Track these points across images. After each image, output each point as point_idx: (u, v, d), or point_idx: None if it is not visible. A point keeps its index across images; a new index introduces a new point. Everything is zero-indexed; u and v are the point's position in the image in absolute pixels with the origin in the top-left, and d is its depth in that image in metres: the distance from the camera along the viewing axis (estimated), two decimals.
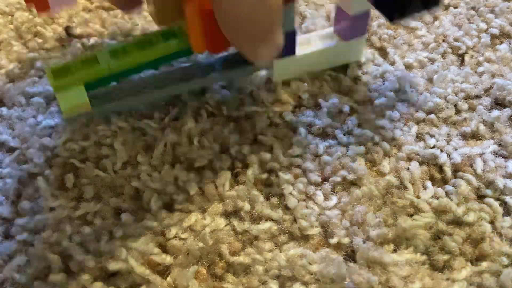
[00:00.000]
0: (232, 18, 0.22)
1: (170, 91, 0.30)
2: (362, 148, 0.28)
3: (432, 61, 0.33)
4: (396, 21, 0.26)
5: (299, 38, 0.31)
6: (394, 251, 0.24)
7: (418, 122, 0.29)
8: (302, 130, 0.29)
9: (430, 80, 0.32)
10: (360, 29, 0.30)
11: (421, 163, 0.27)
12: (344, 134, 0.29)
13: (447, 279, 0.23)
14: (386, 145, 0.28)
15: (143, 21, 0.35)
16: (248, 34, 0.23)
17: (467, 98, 0.31)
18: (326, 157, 0.27)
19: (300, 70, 0.31)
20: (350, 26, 0.30)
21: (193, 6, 0.24)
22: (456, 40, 0.34)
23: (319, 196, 0.26)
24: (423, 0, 0.25)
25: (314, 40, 0.31)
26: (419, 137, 0.29)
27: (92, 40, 0.34)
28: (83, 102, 0.27)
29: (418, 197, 0.26)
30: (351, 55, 0.32)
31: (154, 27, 0.35)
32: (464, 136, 0.29)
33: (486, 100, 0.30)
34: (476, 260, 0.24)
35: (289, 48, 0.29)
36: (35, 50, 0.34)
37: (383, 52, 0.34)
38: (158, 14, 0.26)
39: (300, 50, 0.30)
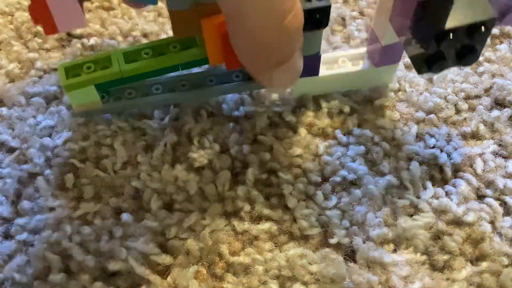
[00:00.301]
0: (246, 42, 0.21)
1: (183, 97, 0.29)
2: (362, 148, 0.28)
3: None
4: (424, 73, 0.24)
5: (326, 56, 0.29)
6: (394, 251, 0.24)
7: (418, 122, 0.29)
8: (302, 130, 0.29)
9: (430, 80, 0.32)
10: (393, 57, 0.28)
11: (421, 163, 0.27)
12: (344, 134, 0.29)
13: (447, 279, 0.23)
14: (386, 145, 0.28)
15: (143, 20, 0.35)
16: (263, 59, 0.22)
17: (467, 98, 0.31)
18: (326, 157, 0.27)
19: (321, 88, 0.30)
20: (382, 53, 0.28)
21: (210, 25, 0.24)
22: None
23: (319, 196, 0.26)
24: (458, 54, 0.22)
25: (342, 59, 0.30)
26: (419, 137, 0.29)
27: (92, 40, 0.34)
28: (94, 100, 0.27)
29: (418, 197, 0.26)
30: (381, 79, 0.30)
31: (153, 28, 0.35)
32: (464, 136, 0.29)
33: (486, 100, 0.30)
34: (476, 260, 0.24)
35: (312, 69, 0.28)
36: (35, 50, 0.34)
37: None
38: (175, 31, 0.26)
39: (325, 70, 0.29)
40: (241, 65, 0.24)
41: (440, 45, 0.22)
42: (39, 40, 0.34)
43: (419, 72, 0.23)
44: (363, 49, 0.30)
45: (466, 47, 0.22)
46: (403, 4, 0.23)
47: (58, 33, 0.26)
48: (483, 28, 0.21)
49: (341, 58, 0.30)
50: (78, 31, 0.34)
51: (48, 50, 0.34)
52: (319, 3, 0.24)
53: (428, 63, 0.22)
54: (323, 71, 0.29)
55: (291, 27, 0.20)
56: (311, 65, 0.27)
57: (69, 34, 0.35)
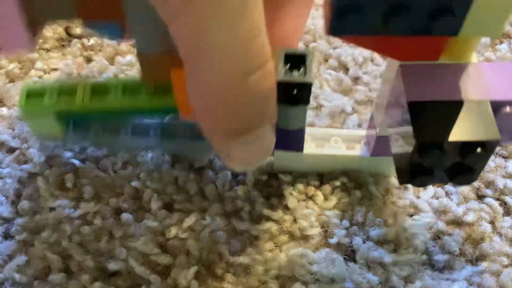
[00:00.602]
0: (201, 95, 0.17)
1: (155, 143, 0.26)
2: None
3: None
4: (404, 184, 0.20)
5: (316, 131, 0.26)
6: (394, 251, 0.24)
7: None
8: None
9: None
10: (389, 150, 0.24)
11: None
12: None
13: (447, 279, 0.23)
14: None
15: None
16: (220, 123, 0.18)
17: None
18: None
19: (307, 166, 0.26)
20: (377, 142, 0.24)
21: (182, 76, 0.20)
22: None
23: (319, 197, 0.26)
24: (451, 171, 0.19)
25: (335, 138, 0.26)
26: None
27: (92, 40, 0.34)
28: (54, 131, 0.25)
29: (418, 197, 0.26)
30: (376, 168, 0.26)
31: None
32: None
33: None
34: (476, 260, 0.24)
35: (294, 144, 0.24)
36: (35, 50, 0.34)
37: None
38: (143, 75, 0.23)
39: (313, 147, 0.26)
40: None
41: (424, 158, 0.18)
42: (39, 40, 0.34)
43: (399, 181, 0.20)
44: (360, 132, 0.26)
45: (460, 165, 0.18)
46: (394, 102, 0.20)
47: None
48: (479, 149, 0.17)
49: (334, 137, 0.26)
50: (78, 31, 0.34)
51: (48, 50, 0.34)
52: (298, 78, 0.20)
53: (411, 173, 0.19)
54: (312, 148, 0.25)
55: (256, 87, 0.16)
56: (294, 140, 0.24)
57: (69, 34, 0.35)
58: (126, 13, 0.20)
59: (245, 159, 0.18)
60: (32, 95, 0.24)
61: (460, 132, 0.17)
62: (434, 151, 0.17)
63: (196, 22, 0.15)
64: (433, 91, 0.18)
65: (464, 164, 0.18)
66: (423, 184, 0.19)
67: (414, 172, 0.19)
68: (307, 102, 0.21)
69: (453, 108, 0.18)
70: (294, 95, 0.20)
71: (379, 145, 0.24)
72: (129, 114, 0.25)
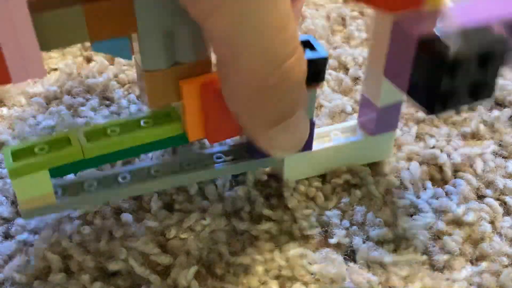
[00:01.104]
0: (240, 91, 0.18)
1: (157, 185, 0.24)
2: None
3: None
4: (437, 114, 0.22)
5: (316, 131, 0.26)
6: (394, 251, 0.24)
7: (418, 122, 0.29)
8: None
9: None
10: (390, 123, 0.26)
11: (421, 163, 0.27)
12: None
13: (447, 279, 0.23)
14: None
15: None
16: (260, 114, 0.19)
17: None
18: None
19: (316, 168, 0.26)
20: (378, 120, 0.25)
21: (190, 86, 0.21)
22: None
23: (319, 197, 0.26)
24: (472, 90, 0.21)
25: (334, 133, 0.27)
26: (419, 137, 0.29)
27: None
28: (46, 192, 0.22)
29: (418, 197, 0.26)
30: (378, 153, 0.27)
31: None
32: (464, 136, 0.29)
33: (486, 100, 0.30)
34: (476, 260, 0.24)
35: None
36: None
37: None
38: (150, 95, 0.21)
39: (317, 144, 0.26)
40: (225, 136, 0.22)
41: (453, 78, 0.19)
42: None
43: (431, 112, 0.21)
44: (354, 121, 0.27)
45: (478, 82, 0.20)
46: (399, 45, 0.21)
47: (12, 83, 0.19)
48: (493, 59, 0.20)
49: (333, 131, 0.27)
50: None
51: None
52: (312, 54, 0.21)
53: (441, 99, 0.20)
54: (315, 146, 0.26)
55: (292, 71, 0.17)
56: None
57: None
58: (137, 29, 0.19)
59: (285, 146, 0.20)
60: (19, 154, 0.21)
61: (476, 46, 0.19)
62: (460, 68, 0.19)
63: (233, 13, 0.16)
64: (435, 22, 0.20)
65: (481, 80, 0.20)
66: (454, 107, 0.21)
67: (444, 96, 0.20)
68: (323, 79, 0.22)
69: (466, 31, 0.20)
70: (312, 73, 0.20)
71: (381, 121, 0.25)
72: (132, 153, 0.23)
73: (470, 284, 0.23)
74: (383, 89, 0.24)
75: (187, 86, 0.21)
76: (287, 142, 0.20)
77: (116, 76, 0.32)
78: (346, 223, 0.25)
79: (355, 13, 0.36)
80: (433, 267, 0.24)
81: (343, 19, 0.36)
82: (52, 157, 0.21)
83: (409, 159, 0.28)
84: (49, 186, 0.22)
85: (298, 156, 0.25)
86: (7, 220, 0.26)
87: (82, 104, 0.31)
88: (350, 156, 0.26)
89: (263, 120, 0.19)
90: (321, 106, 0.30)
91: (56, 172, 0.22)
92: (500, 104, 0.30)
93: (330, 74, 0.32)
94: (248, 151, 0.25)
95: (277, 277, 0.24)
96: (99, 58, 0.33)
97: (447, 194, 0.26)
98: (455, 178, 0.27)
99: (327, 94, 0.31)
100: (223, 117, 0.21)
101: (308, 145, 0.24)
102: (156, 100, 0.22)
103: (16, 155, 0.21)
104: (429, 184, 0.27)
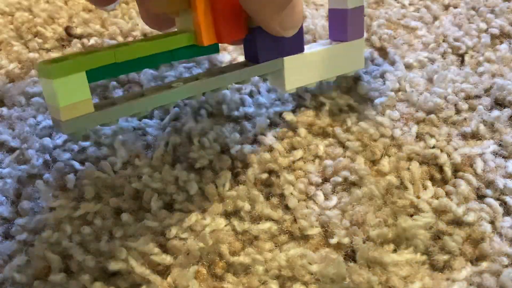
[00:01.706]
0: None
1: (204, 85, 0.26)
2: (359, 144, 0.28)
3: (432, 61, 0.33)
4: None
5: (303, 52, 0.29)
6: (394, 251, 0.24)
7: (418, 122, 0.29)
8: (302, 130, 0.29)
9: (430, 80, 0.32)
10: (359, 29, 0.30)
11: (421, 163, 0.27)
12: (343, 132, 0.29)
13: (447, 279, 0.23)
14: (386, 140, 0.28)
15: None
16: (270, 2, 0.24)
17: (467, 98, 0.31)
18: (326, 157, 0.28)
19: (311, 75, 0.29)
20: (350, 22, 0.29)
21: None
22: (456, 40, 0.34)
23: (319, 196, 0.26)
24: None
25: (315, 46, 0.30)
26: (419, 137, 0.29)
27: (92, 40, 0.34)
28: (85, 98, 0.22)
29: (418, 197, 0.26)
30: (351, 63, 0.30)
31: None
32: (464, 136, 0.29)
33: (486, 100, 0.30)
34: (476, 260, 0.24)
35: (297, 44, 0.28)
36: (35, 50, 0.34)
37: (383, 52, 0.34)
38: (167, 2, 0.24)
39: (307, 49, 0.29)
40: (235, 35, 0.25)
41: None
42: (39, 40, 0.34)
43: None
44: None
45: None
46: None
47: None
48: None
49: (313, 45, 0.30)
50: (78, 31, 0.34)
51: (48, 50, 0.34)
52: None
53: None
54: (307, 49, 0.29)
55: None
56: (296, 39, 0.28)
57: (69, 34, 0.35)
58: None
59: (292, 24, 0.25)
60: (55, 60, 0.22)
61: None
62: None
63: None
64: None
65: None
66: None
67: None
68: None
69: None
70: None
71: (352, 25, 0.29)
72: (156, 61, 0.25)
73: (470, 284, 0.23)
74: None
75: None
76: (293, 22, 0.25)
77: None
78: (346, 223, 0.25)
79: None
80: (433, 267, 0.24)
81: None
82: (88, 58, 0.22)
83: (409, 159, 0.28)
84: (87, 91, 0.22)
85: (295, 62, 0.28)
86: (7, 220, 0.26)
87: None
88: (334, 64, 0.30)
89: (274, 6, 0.24)
90: (320, 105, 0.30)
91: (91, 76, 0.22)
92: (500, 104, 0.30)
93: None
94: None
95: (277, 277, 0.24)
96: None
97: (447, 194, 0.26)
98: (455, 178, 0.27)
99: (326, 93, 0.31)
100: (232, 17, 0.24)
101: (300, 47, 0.28)
102: (170, 7, 0.24)
103: (54, 60, 0.22)
104: (429, 184, 0.27)
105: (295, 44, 0.28)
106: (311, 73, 0.29)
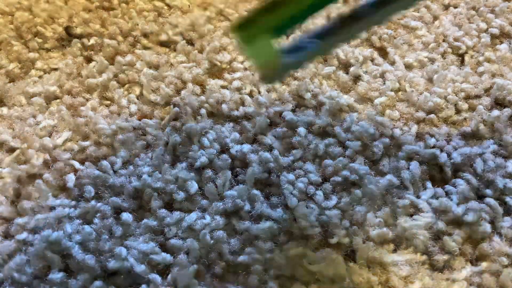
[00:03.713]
0: None
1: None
2: (359, 143, 0.28)
3: (432, 61, 0.33)
4: None
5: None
6: (394, 251, 0.24)
7: (418, 122, 0.29)
8: (302, 130, 0.29)
9: (430, 80, 0.32)
10: None
11: (421, 163, 0.27)
12: (343, 131, 0.29)
13: (447, 279, 0.23)
14: (386, 140, 0.28)
15: (143, 20, 0.35)
16: None
17: (467, 98, 0.31)
18: (326, 157, 0.27)
19: None
20: None
21: None
22: (456, 40, 0.34)
23: (319, 196, 0.26)
24: None
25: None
26: (419, 137, 0.29)
27: (92, 40, 0.34)
28: (271, 55, 0.23)
29: (418, 197, 0.26)
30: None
31: (154, 28, 0.35)
32: (464, 136, 0.29)
33: (486, 100, 0.30)
34: (476, 260, 0.24)
35: None
36: (35, 50, 0.34)
37: (383, 52, 0.34)
38: None
39: None
40: None
41: None
42: (39, 40, 0.34)
43: None
44: None
45: None
46: None
47: None
48: None
49: None
50: (78, 31, 0.34)
51: (48, 50, 0.34)
52: None
53: None
54: None
55: None
56: None
57: (69, 34, 0.35)
58: None
59: None
60: (243, 23, 0.23)
61: None
62: None
63: None
64: None
65: None
66: None
67: None
68: None
69: None
70: None
71: None
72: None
73: (470, 284, 0.23)
74: None
75: None
76: None
77: (116, 76, 0.32)
78: (346, 223, 0.25)
79: None
80: (433, 267, 0.24)
81: None
82: (270, 19, 0.23)
83: (409, 158, 0.28)
84: (272, 48, 0.23)
85: None
86: (7, 220, 0.25)
87: (82, 104, 0.31)
88: None
89: None
90: (320, 104, 0.30)
91: (277, 30, 0.23)
92: (500, 104, 0.30)
93: (330, 72, 0.32)
94: None
95: (277, 277, 0.24)
96: (99, 58, 0.33)
97: (447, 194, 0.26)
98: (455, 178, 0.27)
99: (327, 93, 0.31)
100: None
101: None
102: None
103: (242, 24, 0.22)
104: (429, 184, 0.27)
105: None
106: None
